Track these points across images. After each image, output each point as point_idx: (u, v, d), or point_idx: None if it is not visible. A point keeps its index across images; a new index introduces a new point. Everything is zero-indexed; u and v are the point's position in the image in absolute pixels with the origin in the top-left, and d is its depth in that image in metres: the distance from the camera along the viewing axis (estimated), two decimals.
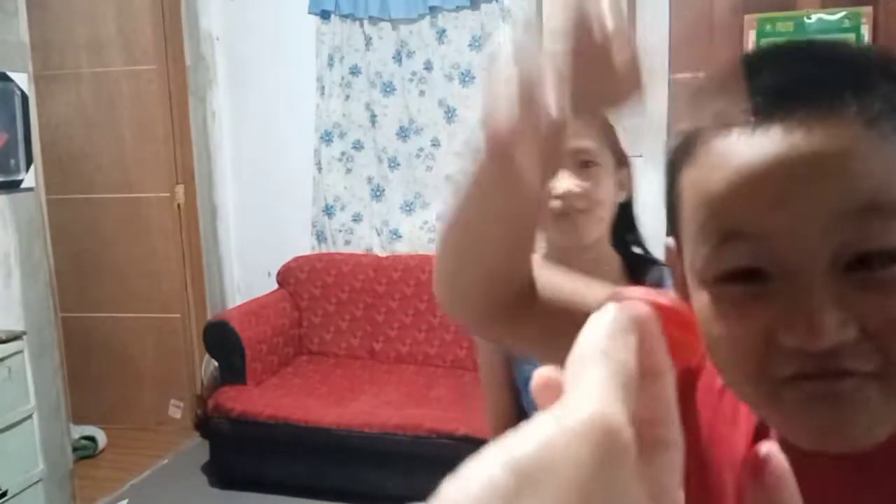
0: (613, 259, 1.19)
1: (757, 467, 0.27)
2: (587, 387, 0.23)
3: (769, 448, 0.27)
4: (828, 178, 0.41)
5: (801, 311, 0.41)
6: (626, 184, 1.18)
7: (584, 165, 1.11)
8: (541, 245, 1.15)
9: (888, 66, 0.45)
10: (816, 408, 0.42)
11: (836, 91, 0.43)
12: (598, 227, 1.14)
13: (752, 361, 0.44)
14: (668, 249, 0.53)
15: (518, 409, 1.23)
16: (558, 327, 0.60)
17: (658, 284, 1.13)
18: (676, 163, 0.49)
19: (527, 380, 1.02)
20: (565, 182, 1.09)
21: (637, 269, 1.19)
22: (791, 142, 0.42)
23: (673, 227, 0.51)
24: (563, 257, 1.06)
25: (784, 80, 0.44)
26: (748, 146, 0.43)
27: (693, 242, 0.46)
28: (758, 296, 0.43)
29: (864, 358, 0.41)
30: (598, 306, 0.27)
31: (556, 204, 1.10)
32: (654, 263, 1.20)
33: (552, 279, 0.66)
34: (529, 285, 0.64)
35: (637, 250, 1.23)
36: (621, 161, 1.17)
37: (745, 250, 0.43)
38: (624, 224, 1.20)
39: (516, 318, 0.64)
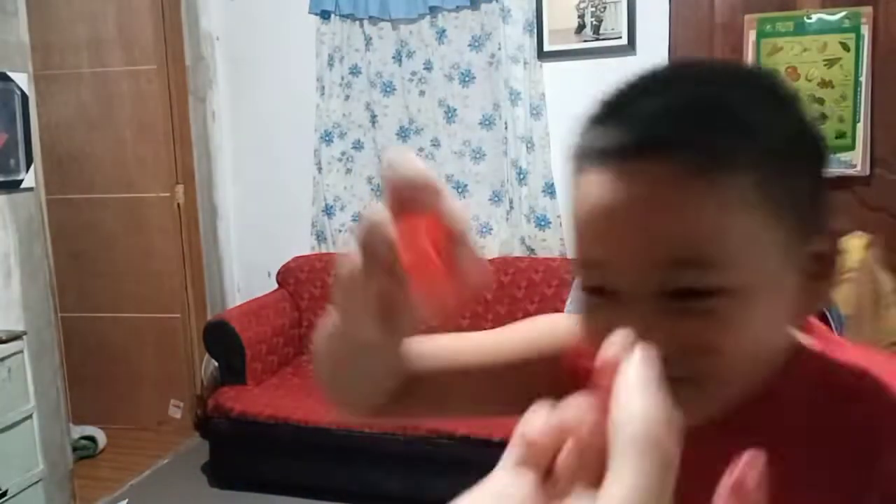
0: None
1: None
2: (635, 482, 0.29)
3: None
4: (640, 228, 0.47)
5: (621, 325, 0.47)
6: None
7: None
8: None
9: (736, 115, 0.48)
10: None
11: (670, 142, 0.46)
12: None
13: None
14: None
15: None
16: (447, 393, 0.69)
17: None
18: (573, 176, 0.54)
19: None
20: None
21: None
22: (623, 188, 0.47)
23: None
24: None
25: (628, 126, 0.48)
26: (595, 186, 0.49)
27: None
28: (603, 308, 0.50)
29: (677, 368, 0.46)
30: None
31: None
32: None
33: (432, 352, 0.69)
34: (410, 374, 0.66)
35: None
36: None
37: (596, 274, 0.51)
38: None
39: (403, 400, 0.67)
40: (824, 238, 0.52)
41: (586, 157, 0.51)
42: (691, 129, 0.47)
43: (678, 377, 0.47)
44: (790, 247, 0.50)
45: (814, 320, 0.59)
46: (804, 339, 0.56)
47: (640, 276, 0.48)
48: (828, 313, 1.06)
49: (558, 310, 3.08)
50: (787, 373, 0.53)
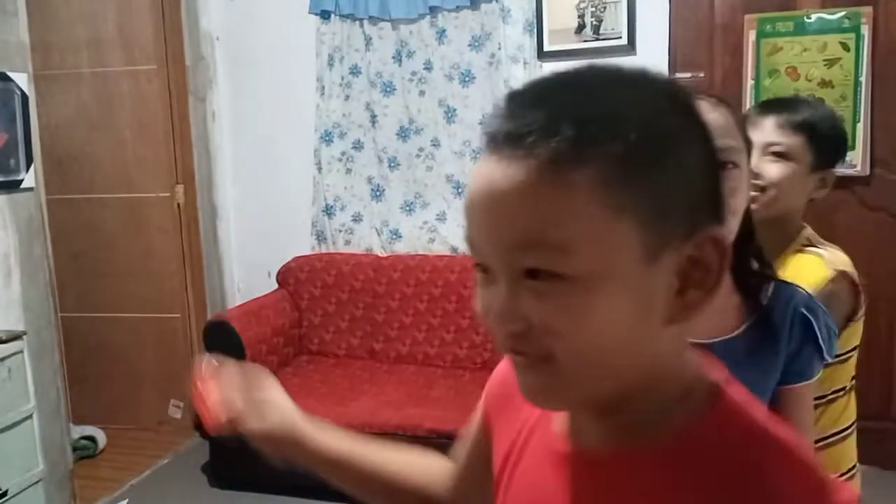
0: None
1: None
2: None
3: None
4: (499, 213, 0.52)
5: (492, 301, 0.54)
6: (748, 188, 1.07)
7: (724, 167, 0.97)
8: None
9: (604, 116, 0.52)
10: (520, 373, 0.56)
11: (535, 136, 0.50)
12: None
13: (490, 327, 0.56)
14: None
15: None
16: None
17: (778, 300, 1.04)
18: None
19: None
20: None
21: (751, 284, 1.05)
22: (492, 176, 0.52)
23: None
24: None
25: (506, 121, 0.53)
26: (478, 170, 0.54)
27: None
28: (484, 283, 0.56)
29: (533, 345, 0.53)
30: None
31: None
32: (771, 278, 1.07)
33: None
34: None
35: (755, 265, 1.09)
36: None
37: (475, 252, 0.55)
38: (741, 234, 1.03)
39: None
40: (702, 243, 0.53)
41: (482, 143, 0.55)
42: (555, 125, 0.50)
43: (533, 353, 0.54)
44: (652, 247, 0.51)
45: (711, 360, 0.62)
46: (714, 377, 0.59)
47: (500, 255, 0.53)
48: (813, 322, 1.02)
49: None
50: (702, 415, 0.55)
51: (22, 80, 2.55)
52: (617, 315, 0.52)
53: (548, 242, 0.50)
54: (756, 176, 1.31)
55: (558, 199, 0.50)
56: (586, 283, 0.51)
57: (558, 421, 0.63)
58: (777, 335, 1.03)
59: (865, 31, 2.83)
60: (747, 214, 1.05)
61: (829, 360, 1.08)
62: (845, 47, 2.86)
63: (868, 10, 2.82)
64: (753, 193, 1.26)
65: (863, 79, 2.85)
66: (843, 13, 2.85)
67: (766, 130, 1.35)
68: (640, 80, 0.57)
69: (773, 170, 1.35)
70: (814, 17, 2.88)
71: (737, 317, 1.04)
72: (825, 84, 2.88)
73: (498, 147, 0.52)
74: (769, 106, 1.43)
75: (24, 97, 2.56)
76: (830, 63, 2.88)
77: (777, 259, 1.34)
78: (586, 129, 0.50)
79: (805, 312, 1.04)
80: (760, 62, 2.94)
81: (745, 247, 1.05)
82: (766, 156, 1.35)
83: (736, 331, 1.02)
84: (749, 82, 2.97)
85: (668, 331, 0.54)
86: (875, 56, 2.84)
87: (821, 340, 1.04)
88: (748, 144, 1.03)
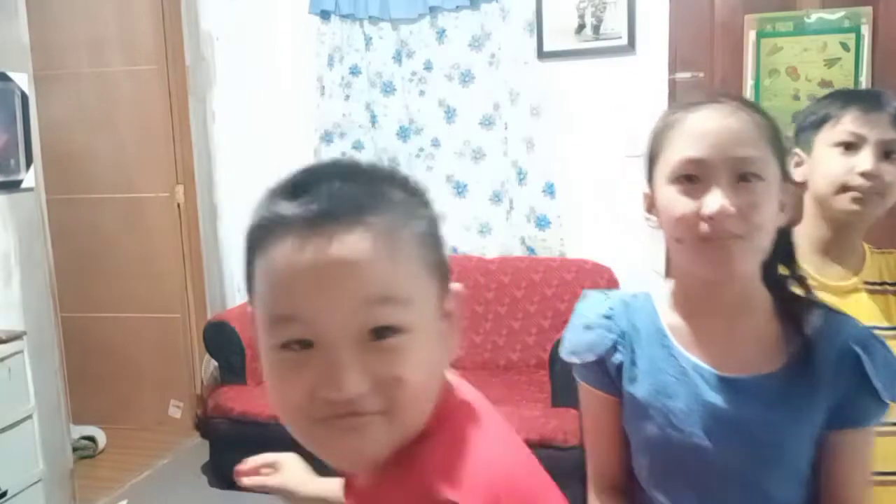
0: (763, 298, 0.95)
1: None
2: None
3: None
4: (346, 278, 0.57)
5: (331, 373, 0.58)
6: (788, 205, 0.93)
7: (742, 179, 0.88)
8: (666, 283, 1.02)
9: (404, 182, 0.65)
10: (343, 440, 0.60)
11: (358, 209, 0.59)
12: (755, 259, 0.91)
13: (299, 409, 0.60)
14: (247, 314, 0.68)
15: (625, 470, 1.04)
16: None
17: (823, 332, 0.92)
18: (251, 249, 0.64)
19: (646, 440, 0.97)
20: (717, 199, 0.86)
21: (793, 311, 0.94)
22: (322, 249, 0.57)
23: (251, 297, 0.65)
24: (701, 293, 0.95)
25: (323, 198, 0.59)
26: (294, 249, 0.58)
27: (261, 316, 0.62)
28: (304, 362, 0.59)
29: (374, 402, 0.59)
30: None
31: (703, 228, 0.88)
32: (816, 306, 0.95)
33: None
34: None
35: (796, 289, 0.98)
36: (786, 176, 0.93)
37: (297, 327, 0.59)
38: (779, 254, 0.96)
39: None
40: (451, 298, 0.66)
41: (279, 228, 0.60)
42: (377, 201, 0.60)
43: (371, 411, 0.60)
44: (437, 300, 0.64)
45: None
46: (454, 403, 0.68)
47: (344, 320, 0.58)
48: (865, 360, 0.91)
49: (557, 310, 3.08)
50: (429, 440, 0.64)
51: (22, 80, 2.55)
52: (434, 361, 0.63)
53: (397, 298, 0.59)
54: (871, 176, 1.18)
55: (396, 260, 0.59)
56: (417, 331, 0.60)
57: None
58: (817, 374, 0.90)
59: (865, 31, 2.83)
60: (785, 231, 0.95)
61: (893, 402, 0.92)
62: (845, 47, 2.86)
63: (868, 10, 2.82)
64: (857, 195, 1.18)
65: (863, 79, 2.85)
66: (843, 13, 2.85)
67: (883, 126, 1.19)
68: (387, 171, 0.68)
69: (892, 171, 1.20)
70: (814, 17, 2.88)
71: (776, 349, 0.93)
72: (825, 84, 2.88)
73: (318, 224, 0.58)
74: (872, 99, 1.23)
75: (24, 97, 2.56)
76: (830, 63, 2.88)
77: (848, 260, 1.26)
78: (400, 205, 0.62)
79: (856, 348, 0.90)
80: (760, 62, 2.94)
81: (780, 266, 0.97)
82: (880, 154, 1.19)
83: (773, 368, 0.92)
84: (749, 82, 2.97)
85: (445, 370, 0.67)
86: (875, 56, 2.84)
87: (875, 381, 0.89)
88: (780, 151, 0.91)
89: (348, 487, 0.74)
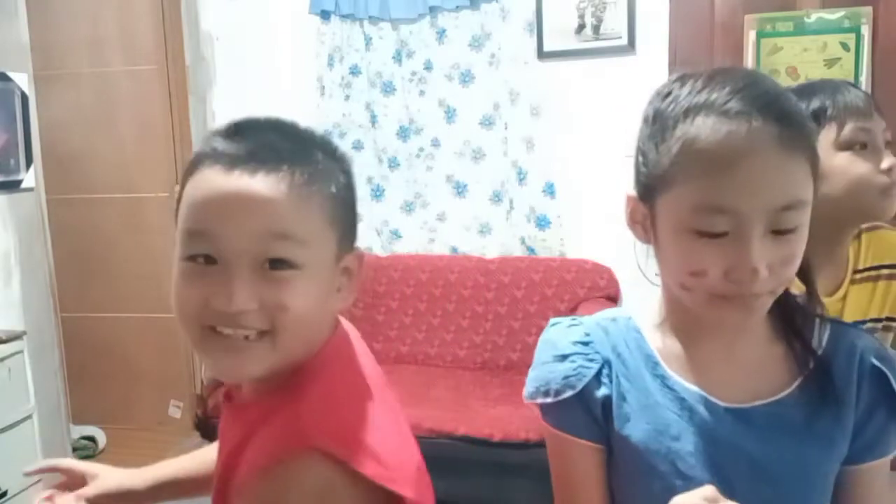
0: (761, 315, 0.81)
1: None
2: None
3: None
4: (254, 211, 0.68)
5: (226, 287, 0.68)
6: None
7: (781, 233, 0.72)
8: (651, 301, 0.88)
9: (330, 149, 0.77)
10: (227, 353, 0.70)
11: (279, 157, 0.70)
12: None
13: (194, 315, 0.70)
14: None
15: None
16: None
17: (836, 348, 0.81)
18: (185, 175, 0.73)
19: (644, 496, 0.80)
20: (748, 261, 0.70)
21: (797, 327, 0.82)
22: (240, 182, 0.68)
23: (177, 214, 0.73)
24: (696, 319, 0.80)
25: (254, 143, 0.71)
26: (218, 177, 0.69)
27: (179, 229, 0.71)
28: (206, 274, 0.69)
29: (257, 321, 0.69)
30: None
31: (723, 288, 0.73)
32: (822, 318, 0.83)
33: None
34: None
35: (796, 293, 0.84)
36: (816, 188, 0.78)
37: (205, 243, 0.69)
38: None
39: None
40: (354, 258, 0.78)
41: (210, 158, 0.71)
42: (306, 155, 0.73)
43: (257, 328, 0.69)
44: (336, 252, 0.75)
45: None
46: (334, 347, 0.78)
47: (247, 246, 0.68)
48: (889, 375, 0.80)
49: (558, 310, 3.08)
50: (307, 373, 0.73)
51: (22, 80, 2.55)
52: (320, 301, 0.73)
53: (295, 237, 0.69)
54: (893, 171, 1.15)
55: (303, 208, 0.70)
56: (308, 269, 0.70)
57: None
58: (840, 394, 0.78)
59: (865, 31, 2.83)
60: None
61: None
62: (845, 47, 2.86)
63: (868, 10, 2.83)
64: (889, 189, 1.15)
65: (863, 79, 2.85)
66: (843, 13, 2.85)
67: (877, 119, 1.18)
68: (316, 135, 0.81)
69: None
70: (814, 16, 2.88)
71: (784, 372, 0.80)
72: None
73: (245, 162, 0.69)
74: (854, 93, 1.22)
75: (24, 97, 2.56)
76: (830, 63, 2.88)
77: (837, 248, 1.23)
78: (304, 158, 0.72)
79: (877, 363, 0.79)
80: (760, 62, 2.94)
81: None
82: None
83: (785, 390, 0.79)
84: None
85: (333, 315, 0.79)
86: (875, 56, 2.84)
87: None
88: (814, 165, 0.74)
89: (229, 397, 0.82)
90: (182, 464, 1.01)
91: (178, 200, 0.73)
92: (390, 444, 0.72)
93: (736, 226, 0.70)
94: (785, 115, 0.71)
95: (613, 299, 3.10)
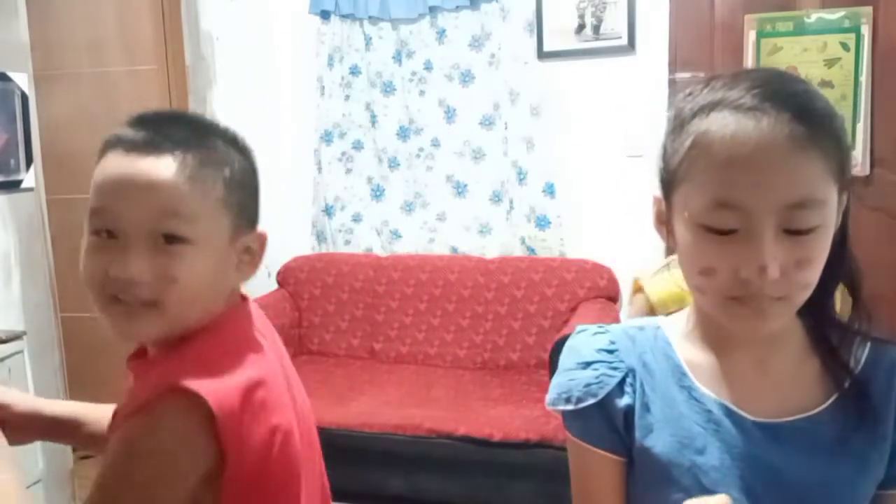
0: (796, 328, 0.80)
1: None
2: None
3: None
4: (149, 191, 0.77)
5: (122, 258, 0.77)
6: (839, 222, 0.75)
7: (795, 233, 0.71)
8: (681, 312, 0.86)
9: (231, 139, 0.85)
10: (123, 318, 0.80)
11: (176, 144, 0.79)
12: (793, 312, 0.77)
13: (97, 283, 0.79)
14: None
15: None
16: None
17: (875, 365, 0.78)
18: (97, 159, 0.82)
19: None
20: (758, 261, 0.70)
21: (833, 342, 0.79)
22: (136, 164, 0.78)
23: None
24: (724, 330, 0.77)
25: (153, 131, 0.80)
26: (121, 161, 0.79)
27: (89, 206, 0.82)
28: (107, 247, 0.78)
29: (149, 291, 0.79)
30: None
31: (736, 290, 0.72)
32: (860, 334, 0.79)
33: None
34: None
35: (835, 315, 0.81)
36: (844, 185, 0.73)
37: (105, 219, 0.79)
38: (833, 278, 0.78)
39: None
40: (254, 237, 0.87)
41: (113, 144, 0.80)
42: (200, 140, 0.81)
43: (142, 300, 0.77)
44: (231, 234, 0.83)
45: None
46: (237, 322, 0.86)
47: (140, 222, 0.77)
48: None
49: (558, 310, 3.08)
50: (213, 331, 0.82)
51: (22, 80, 2.55)
52: (212, 277, 0.81)
53: (187, 216, 0.78)
54: None
55: (194, 189, 0.78)
56: (198, 245, 0.79)
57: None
58: (878, 413, 0.75)
59: (865, 31, 2.83)
60: (842, 244, 0.77)
61: None
62: (845, 47, 2.86)
63: (868, 10, 2.82)
64: None
65: (863, 79, 2.85)
66: (843, 13, 2.85)
67: None
68: (223, 128, 0.87)
69: None
70: (814, 16, 2.88)
71: (818, 388, 0.78)
72: (825, 84, 2.88)
73: (143, 147, 0.78)
74: None
75: (24, 97, 2.56)
76: (830, 63, 2.88)
77: None
78: (218, 153, 0.82)
79: None
80: (760, 62, 2.94)
81: (824, 293, 0.77)
82: None
83: (818, 406, 0.77)
84: None
85: (228, 289, 0.85)
86: (875, 56, 2.84)
87: None
88: (844, 163, 0.72)
89: (136, 356, 0.93)
90: (90, 409, 1.17)
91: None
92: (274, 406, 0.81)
93: (745, 222, 0.69)
94: (802, 112, 0.68)
95: (613, 299, 3.10)
